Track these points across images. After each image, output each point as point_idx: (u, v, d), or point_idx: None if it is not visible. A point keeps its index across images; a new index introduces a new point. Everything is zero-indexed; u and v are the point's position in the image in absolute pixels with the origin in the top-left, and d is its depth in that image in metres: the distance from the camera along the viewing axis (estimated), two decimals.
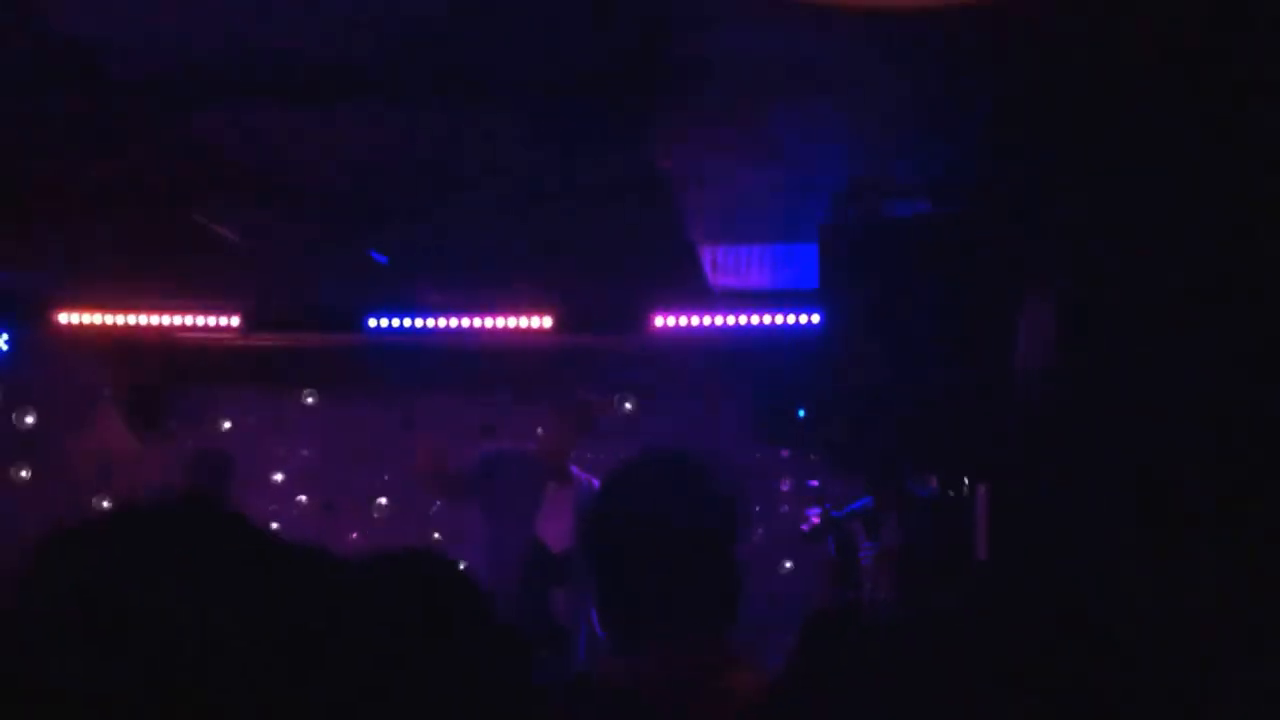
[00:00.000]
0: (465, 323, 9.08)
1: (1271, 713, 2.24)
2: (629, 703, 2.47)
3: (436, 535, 7.93)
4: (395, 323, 9.14)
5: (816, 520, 6.90)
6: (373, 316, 9.12)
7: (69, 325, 9.49)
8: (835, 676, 3.01)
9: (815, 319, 7.74)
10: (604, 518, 2.66)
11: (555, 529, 6.98)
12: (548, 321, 8.97)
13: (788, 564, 9.46)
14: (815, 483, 7.79)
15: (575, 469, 7.42)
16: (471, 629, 2.16)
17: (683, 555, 2.53)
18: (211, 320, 9.37)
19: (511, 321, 9.00)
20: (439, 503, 8.05)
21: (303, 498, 10.19)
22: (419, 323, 9.13)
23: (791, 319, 8.44)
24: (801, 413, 8.51)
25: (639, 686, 2.49)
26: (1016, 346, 3.24)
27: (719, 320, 8.62)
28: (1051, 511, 3.38)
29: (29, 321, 9.55)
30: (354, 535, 8.98)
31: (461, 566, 2.46)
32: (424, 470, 7.48)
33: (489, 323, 9.05)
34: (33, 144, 6.01)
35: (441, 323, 9.11)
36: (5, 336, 9.87)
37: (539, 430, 7.92)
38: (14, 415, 10.07)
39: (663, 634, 2.52)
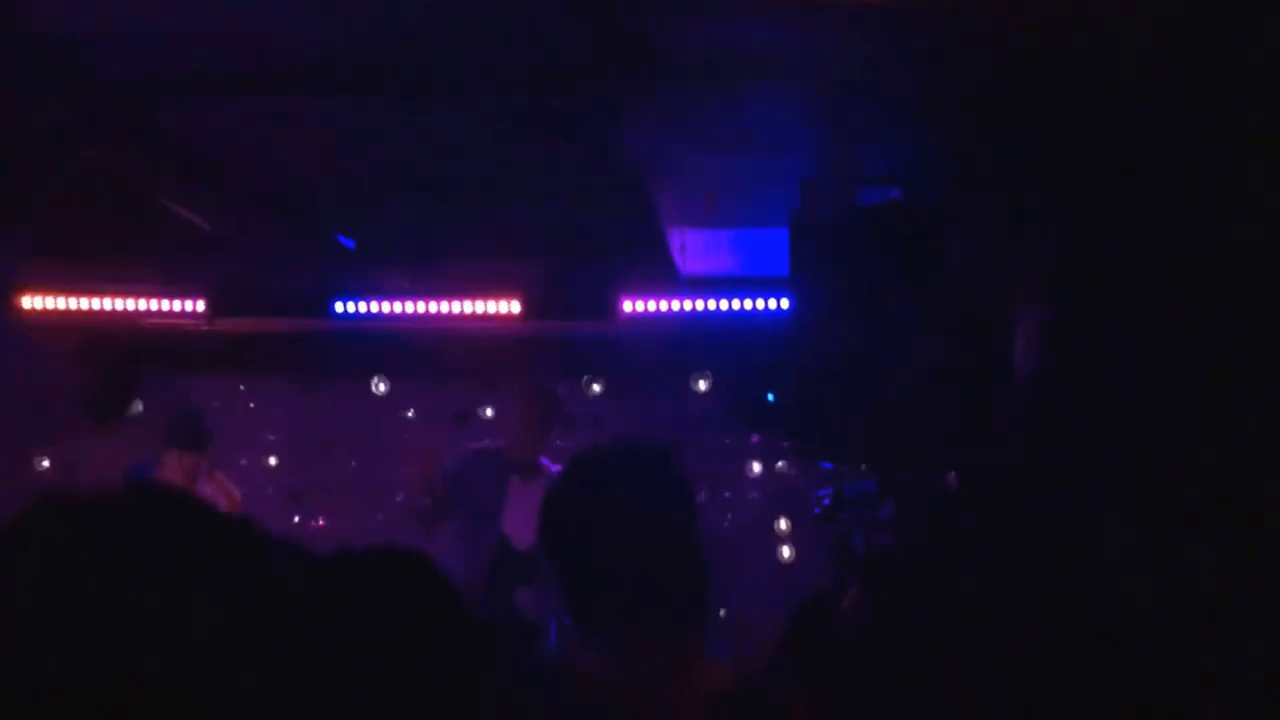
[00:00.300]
0: (433, 308, 8.97)
1: (1266, 710, 2.21)
2: (599, 696, 2.44)
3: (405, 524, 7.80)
4: (362, 308, 8.97)
5: (829, 501, 6.78)
6: (339, 301, 8.97)
7: (33, 310, 9.29)
8: (818, 671, 2.98)
9: (786, 305, 7.72)
10: (563, 507, 2.60)
11: (521, 525, 6.88)
12: (515, 306, 8.85)
13: (757, 550, 9.40)
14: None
15: (544, 459, 7.32)
16: (448, 625, 2.13)
17: (644, 545, 2.48)
18: (177, 305, 9.15)
19: (479, 306, 8.93)
20: (400, 497, 7.91)
21: (269, 485, 10.09)
22: (386, 308, 8.99)
23: (761, 304, 8.37)
24: (771, 397, 8.48)
25: (608, 680, 2.46)
26: (1012, 345, 3.19)
27: (688, 305, 8.55)
28: (1036, 506, 3.35)
29: None
30: (320, 522, 8.91)
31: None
32: (416, 476, 7.33)
33: (456, 307, 8.95)
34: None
35: (409, 307, 8.96)
36: None
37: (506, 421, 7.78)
38: None
39: (626, 626, 2.48)
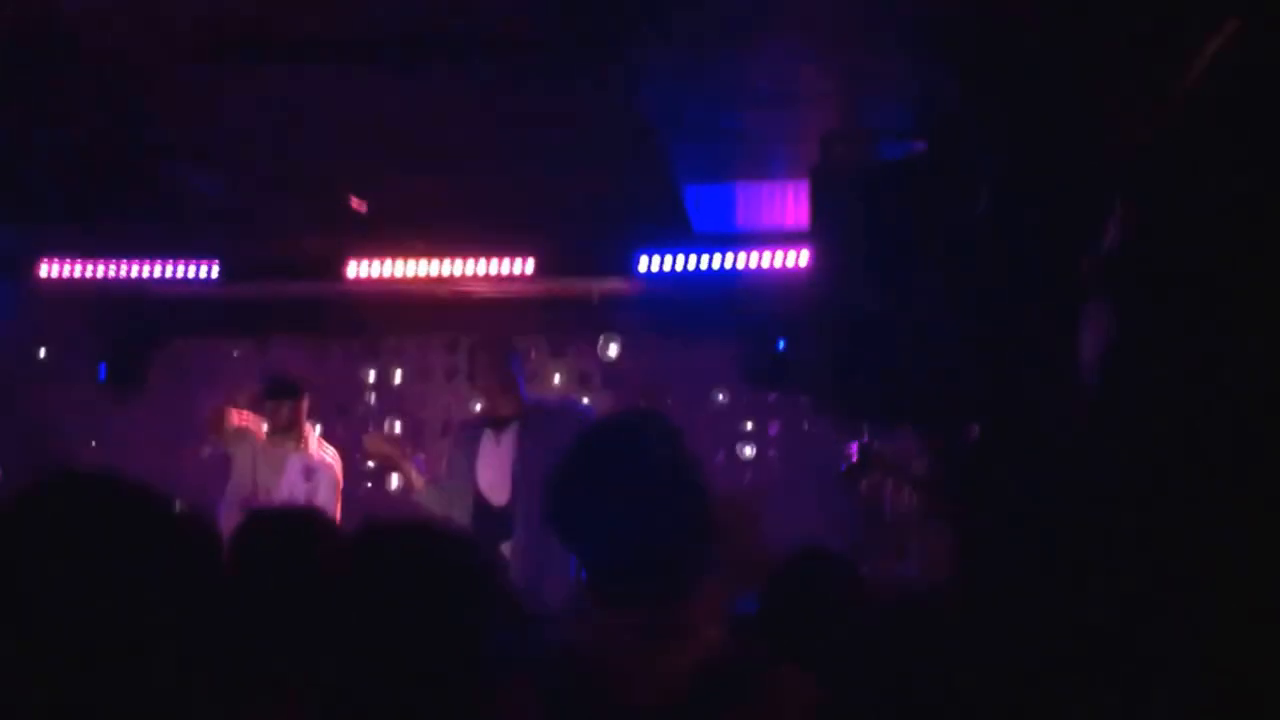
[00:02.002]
0: (446, 268, 8.69)
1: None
2: (588, 665, 2.44)
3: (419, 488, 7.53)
4: (375, 270, 8.74)
5: (856, 458, 6.48)
6: (352, 264, 8.72)
7: (50, 278, 9.14)
8: (799, 633, 3.03)
9: (804, 260, 7.45)
10: (565, 481, 2.59)
11: (496, 481, 6.58)
12: (529, 265, 8.58)
13: (777, 510, 9.14)
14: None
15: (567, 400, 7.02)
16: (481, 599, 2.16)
17: (640, 515, 2.48)
18: (190, 271, 8.98)
19: (493, 266, 8.64)
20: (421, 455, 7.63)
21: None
22: (399, 270, 8.73)
23: (779, 260, 8.08)
24: (781, 345, 8.23)
25: (598, 648, 2.45)
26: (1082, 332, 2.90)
27: (704, 262, 8.26)
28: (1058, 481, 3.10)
29: (11, 275, 9.18)
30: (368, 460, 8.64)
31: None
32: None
33: (470, 267, 8.67)
34: (10, 101, 5.77)
35: (422, 269, 8.71)
36: None
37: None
38: None
39: (622, 593, 2.48)
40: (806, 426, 8.59)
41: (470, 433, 6.82)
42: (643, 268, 8.30)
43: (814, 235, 5.58)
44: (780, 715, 2.40)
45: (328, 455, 7.70)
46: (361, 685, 2.04)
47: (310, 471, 7.48)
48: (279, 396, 7.64)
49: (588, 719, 2.42)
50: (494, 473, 6.58)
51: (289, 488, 7.32)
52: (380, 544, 2.25)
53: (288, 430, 7.53)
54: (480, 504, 6.59)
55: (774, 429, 9.25)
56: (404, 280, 8.77)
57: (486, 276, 8.67)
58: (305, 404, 7.68)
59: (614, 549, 2.49)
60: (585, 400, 8.82)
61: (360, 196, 7.52)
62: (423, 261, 8.70)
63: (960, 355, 5.01)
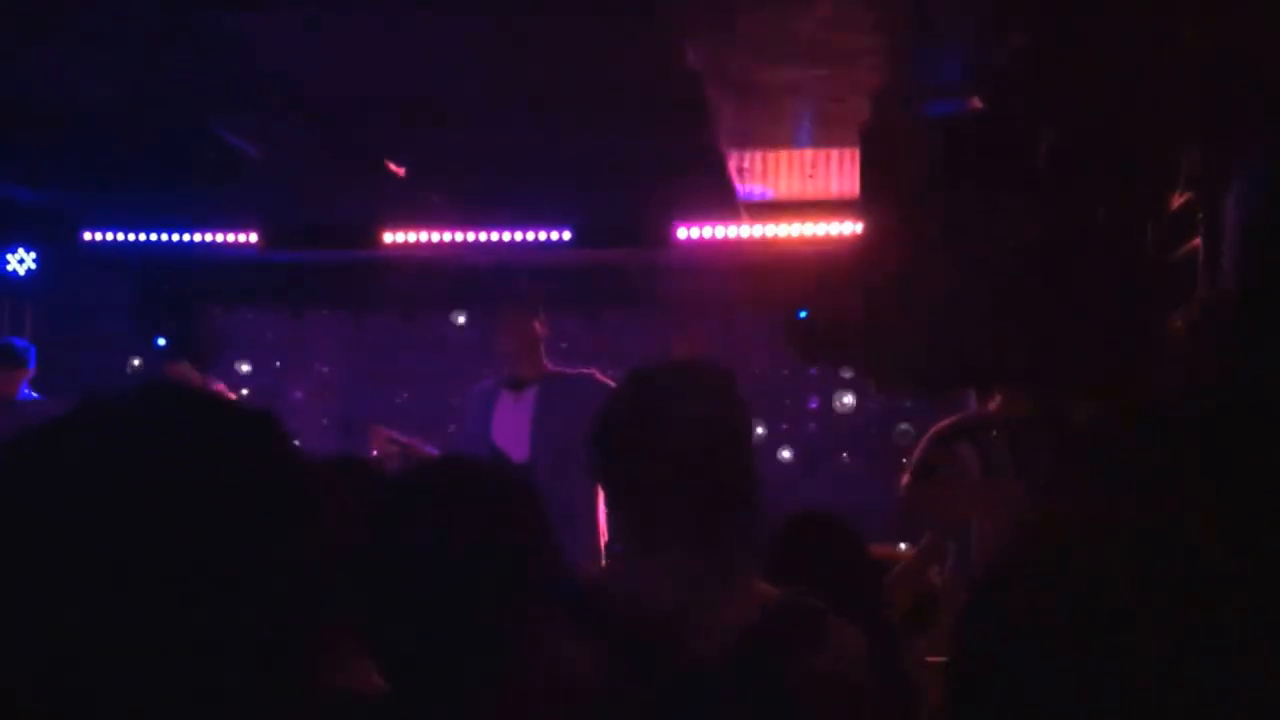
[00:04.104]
0: (483, 236, 8.44)
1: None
2: (628, 614, 2.30)
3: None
4: (413, 237, 8.50)
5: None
6: (390, 230, 8.49)
7: (94, 243, 9.00)
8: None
9: (848, 229, 7.16)
10: (616, 421, 2.44)
11: (513, 437, 6.36)
12: (567, 234, 8.33)
13: (815, 481, 8.89)
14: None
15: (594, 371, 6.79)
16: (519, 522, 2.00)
17: (693, 462, 2.34)
18: (230, 237, 8.80)
19: (530, 234, 8.37)
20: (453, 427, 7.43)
21: (322, 417, 9.72)
22: (436, 237, 8.48)
23: (824, 229, 7.75)
24: (803, 313, 7.95)
25: (639, 598, 2.33)
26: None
27: (745, 231, 7.94)
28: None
29: (55, 240, 9.09)
30: (373, 454, 8.37)
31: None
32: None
33: (507, 236, 8.43)
34: (53, 61, 5.57)
35: (459, 236, 8.46)
36: (33, 255, 9.35)
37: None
38: None
39: (669, 542, 2.34)
40: (847, 401, 8.30)
41: (487, 392, 6.58)
42: (682, 236, 8.01)
43: (864, 196, 5.25)
44: (836, 665, 2.29)
45: None
46: (410, 621, 1.90)
47: None
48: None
49: (646, 669, 2.25)
50: (511, 428, 6.35)
51: None
52: (423, 479, 2.12)
53: None
54: (501, 459, 6.37)
55: (814, 402, 9.00)
56: (440, 246, 8.54)
57: (523, 243, 8.41)
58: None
59: (661, 494, 2.33)
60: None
61: (397, 161, 7.22)
62: (459, 231, 8.48)
63: (1014, 321, 4.71)
